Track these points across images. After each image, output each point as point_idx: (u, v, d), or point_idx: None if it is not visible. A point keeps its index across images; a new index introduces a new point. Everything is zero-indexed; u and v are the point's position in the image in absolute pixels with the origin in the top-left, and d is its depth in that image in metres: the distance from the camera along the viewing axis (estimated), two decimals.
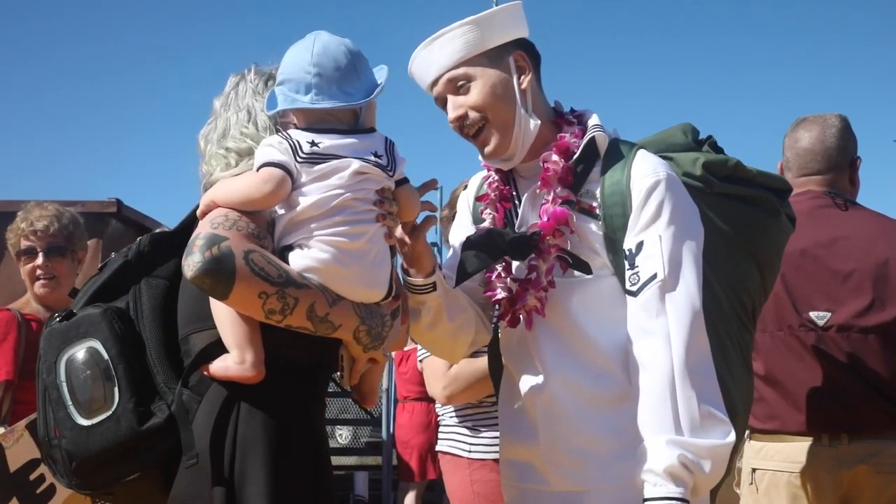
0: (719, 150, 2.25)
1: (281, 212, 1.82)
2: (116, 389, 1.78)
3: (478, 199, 2.18)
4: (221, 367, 1.76)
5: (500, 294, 2.06)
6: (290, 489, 1.76)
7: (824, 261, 2.83)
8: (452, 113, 2.04)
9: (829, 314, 2.80)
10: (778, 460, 2.84)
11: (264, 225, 1.80)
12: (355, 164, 1.79)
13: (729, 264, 2.13)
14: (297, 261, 1.76)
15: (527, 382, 2.07)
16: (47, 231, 3.35)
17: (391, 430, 8.08)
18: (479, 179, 2.23)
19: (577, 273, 2.00)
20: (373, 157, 1.82)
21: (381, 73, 1.92)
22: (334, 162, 1.78)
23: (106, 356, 1.80)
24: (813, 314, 2.81)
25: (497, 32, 2.02)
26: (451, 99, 2.04)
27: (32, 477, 2.82)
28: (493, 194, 2.13)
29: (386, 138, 1.88)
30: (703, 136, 2.29)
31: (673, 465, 1.79)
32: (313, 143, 1.79)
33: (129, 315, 1.88)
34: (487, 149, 2.05)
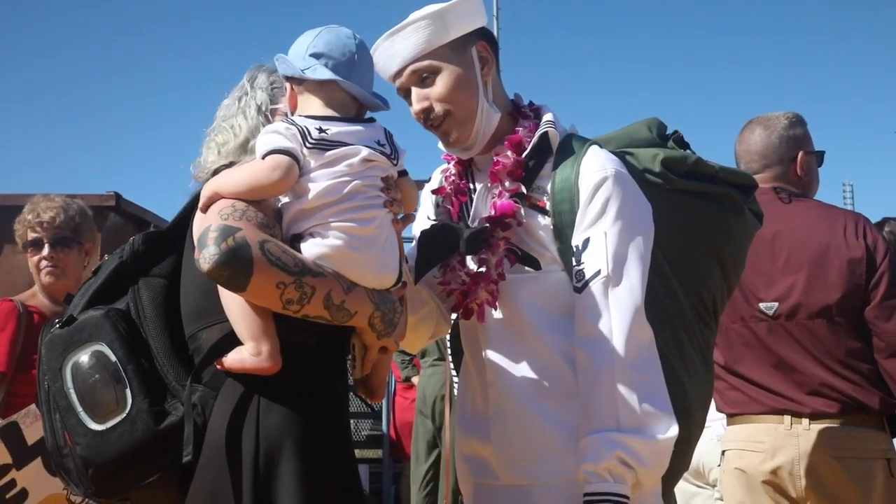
0: (685, 146, 2.23)
1: (287, 200, 1.79)
2: (128, 391, 1.74)
3: (433, 192, 2.19)
4: (237, 359, 1.72)
5: (454, 287, 2.07)
6: (318, 482, 1.73)
7: (768, 253, 2.92)
8: (417, 105, 2.04)
9: (776, 304, 2.91)
10: (742, 440, 2.93)
11: (272, 214, 1.77)
12: (364, 152, 1.78)
13: (688, 260, 2.12)
14: (311, 249, 1.74)
15: (479, 376, 2.09)
16: (53, 222, 3.37)
17: (392, 418, 8.09)
18: (440, 173, 2.23)
19: (527, 268, 2.00)
20: (377, 146, 1.81)
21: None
22: (343, 149, 1.77)
23: (113, 358, 1.77)
24: (762, 305, 2.92)
25: (459, 23, 2.03)
26: (415, 91, 2.05)
27: (2, 482, 2.81)
28: (449, 188, 2.14)
29: (385, 128, 1.87)
30: (670, 130, 2.25)
31: (611, 461, 1.81)
32: (321, 130, 1.77)
33: (130, 316, 1.85)
34: (449, 139, 2.06)
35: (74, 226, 3.43)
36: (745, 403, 2.93)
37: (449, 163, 2.18)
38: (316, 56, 1.84)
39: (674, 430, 1.85)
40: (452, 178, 2.15)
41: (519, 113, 2.11)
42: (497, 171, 2.03)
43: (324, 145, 1.76)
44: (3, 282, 5.61)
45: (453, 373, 4.60)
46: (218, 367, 1.76)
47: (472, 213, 2.10)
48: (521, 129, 2.06)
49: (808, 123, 3.14)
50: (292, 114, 1.89)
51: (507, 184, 2.02)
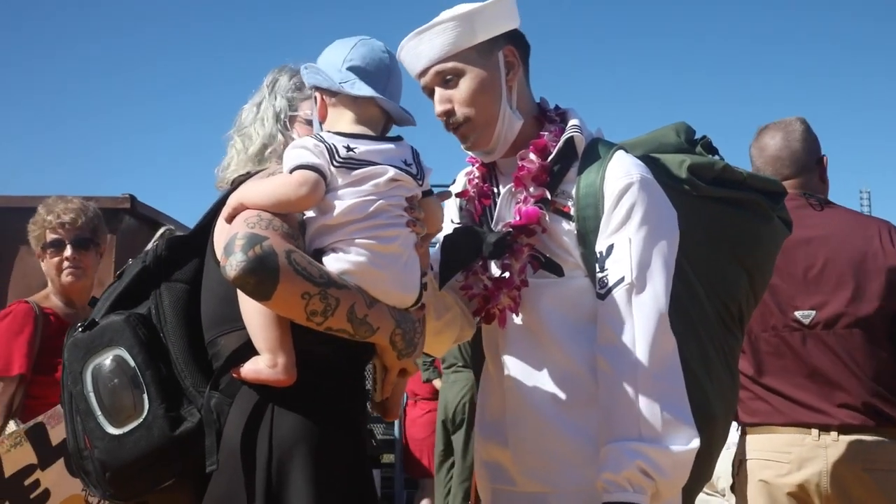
0: (713, 151, 2.20)
1: (311, 215, 1.79)
2: (146, 396, 1.77)
3: (457, 195, 2.18)
4: (253, 370, 1.73)
5: (476, 292, 2.06)
6: (331, 490, 1.72)
7: (804, 260, 2.87)
8: (439, 107, 2.03)
9: (813, 312, 2.85)
10: (766, 450, 2.88)
11: (296, 226, 1.77)
12: (391, 172, 1.78)
13: (714, 268, 2.10)
14: (333, 264, 1.73)
15: (498, 381, 2.08)
16: (75, 224, 3.39)
17: (404, 429, 8.10)
18: (464, 175, 2.22)
19: (549, 274, 1.99)
20: (404, 165, 1.81)
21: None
22: (370, 168, 1.77)
23: (132, 363, 1.79)
24: (798, 314, 2.86)
25: (488, 26, 2.00)
26: (438, 92, 2.04)
27: (27, 482, 2.85)
28: (472, 191, 2.13)
29: (412, 147, 1.87)
30: (699, 135, 2.23)
31: (631, 471, 1.79)
32: (349, 148, 1.77)
33: (151, 321, 1.86)
34: (468, 143, 2.05)
35: (93, 227, 3.46)
36: (769, 414, 2.88)
37: (473, 165, 2.17)
38: (354, 70, 1.84)
39: (695, 442, 1.83)
40: (476, 180, 2.14)
41: (545, 117, 2.10)
42: (522, 177, 2.01)
43: (351, 164, 1.76)
44: (19, 283, 5.63)
45: None
46: (234, 375, 1.77)
47: (495, 217, 2.09)
48: (546, 133, 2.04)
49: (827, 131, 3.14)
50: (321, 124, 1.88)
51: (531, 189, 2.00)
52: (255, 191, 1.77)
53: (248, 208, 1.74)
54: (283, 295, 1.63)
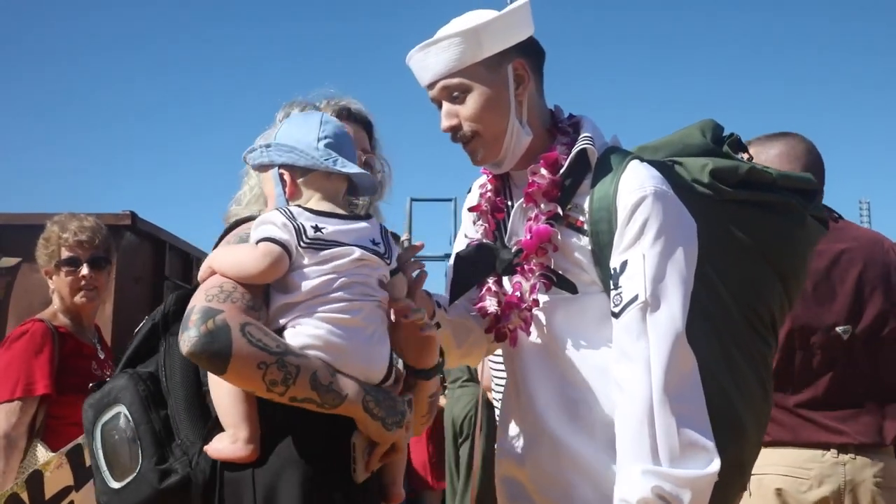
0: (742, 148, 2.11)
1: (274, 293, 1.78)
2: (140, 450, 1.81)
3: (470, 209, 2.14)
4: (216, 448, 1.73)
5: (488, 309, 2.03)
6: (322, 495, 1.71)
7: (836, 274, 2.83)
8: (445, 122, 2.00)
9: (850, 327, 2.80)
10: (784, 465, 2.81)
11: (261, 296, 1.76)
12: (356, 253, 1.77)
13: (742, 272, 2.01)
14: (293, 339, 1.72)
15: (516, 398, 2.05)
16: (92, 242, 3.38)
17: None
18: (478, 188, 2.17)
19: (562, 291, 1.95)
20: (371, 245, 1.81)
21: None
22: (337, 249, 1.77)
23: (131, 418, 1.83)
24: (839, 329, 2.80)
25: (496, 40, 1.94)
26: (445, 106, 2.00)
27: None
28: (485, 205, 2.09)
29: (381, 225, 1.86)
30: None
31: (647, 496, 1.74)
32: (317, 229, 1.77)
33: (156, 375, 1.89)
34: (475, 158, 2.02)
35: (107, 247, 3.45)
36: (786, 432, 2.81)
37: (486, 176, 2.13)
38: (331, 147, 1.83)
39: (715, 465, 1.77)
40: (489, 194, 2.10)
41: (557, 128, 2.04)
42: (532, 193, 1.96)
43: (318, 245, 1.76)
44: (20, 301, 5.63)
45: (496, 396, 4.58)
46: (205, 450, 1.76)
47: (508, 231, 2.05)
48: (558, 145, 2.00)
49: (826, 140, 3.07)
50: (288, 201, 1.86)
51: (542, 206, 1.96)
52: (223, 259, 1.78)
53: (216, 273, 1.76)
54: (238, 367, 1.64)
